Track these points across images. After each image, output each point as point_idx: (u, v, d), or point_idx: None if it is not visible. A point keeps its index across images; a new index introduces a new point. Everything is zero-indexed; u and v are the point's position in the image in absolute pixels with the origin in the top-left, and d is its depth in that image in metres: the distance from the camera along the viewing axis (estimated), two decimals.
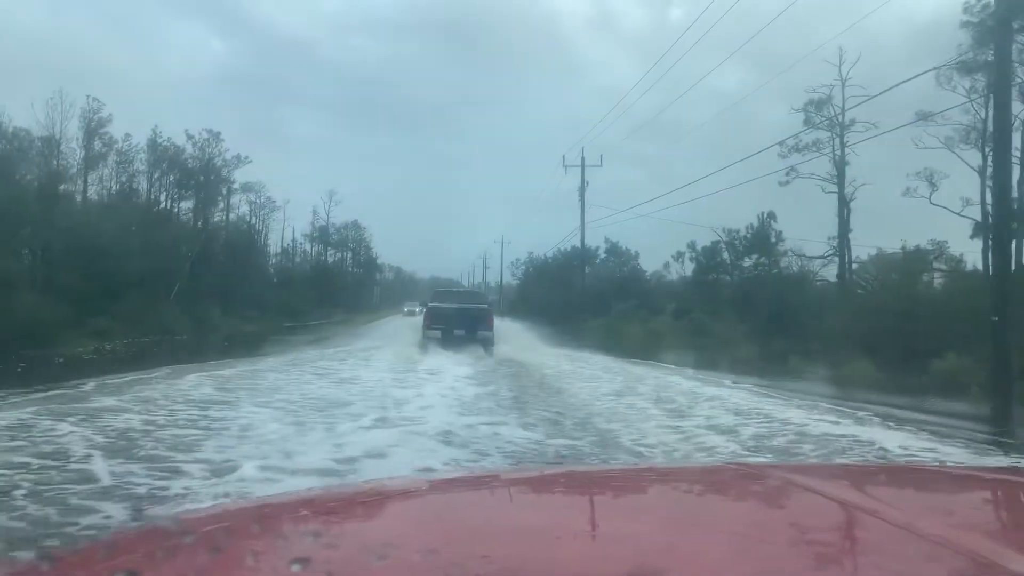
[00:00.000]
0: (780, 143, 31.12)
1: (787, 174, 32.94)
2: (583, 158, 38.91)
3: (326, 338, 25.98)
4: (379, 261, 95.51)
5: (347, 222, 79.35)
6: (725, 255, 36.36)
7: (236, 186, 43.84)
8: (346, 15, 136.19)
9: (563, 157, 39.60)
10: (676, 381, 14.19)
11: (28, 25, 58.07)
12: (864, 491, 1.54)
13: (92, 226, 26.51)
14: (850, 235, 32.00)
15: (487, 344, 21.33)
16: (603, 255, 43.81)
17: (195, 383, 11.17)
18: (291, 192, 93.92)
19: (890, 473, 2.41)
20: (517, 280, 75.69)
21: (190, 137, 38.52)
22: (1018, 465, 7.11)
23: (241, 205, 47.70)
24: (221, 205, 42.39)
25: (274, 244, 66.75)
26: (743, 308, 32.43)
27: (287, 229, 66.96)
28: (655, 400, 10.90)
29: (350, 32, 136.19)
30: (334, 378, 12.90)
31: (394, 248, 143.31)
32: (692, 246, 36.95)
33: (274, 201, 62.70)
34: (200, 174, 38.82)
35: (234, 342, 24.02)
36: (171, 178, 39.15)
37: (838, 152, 33.28)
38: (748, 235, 36.48)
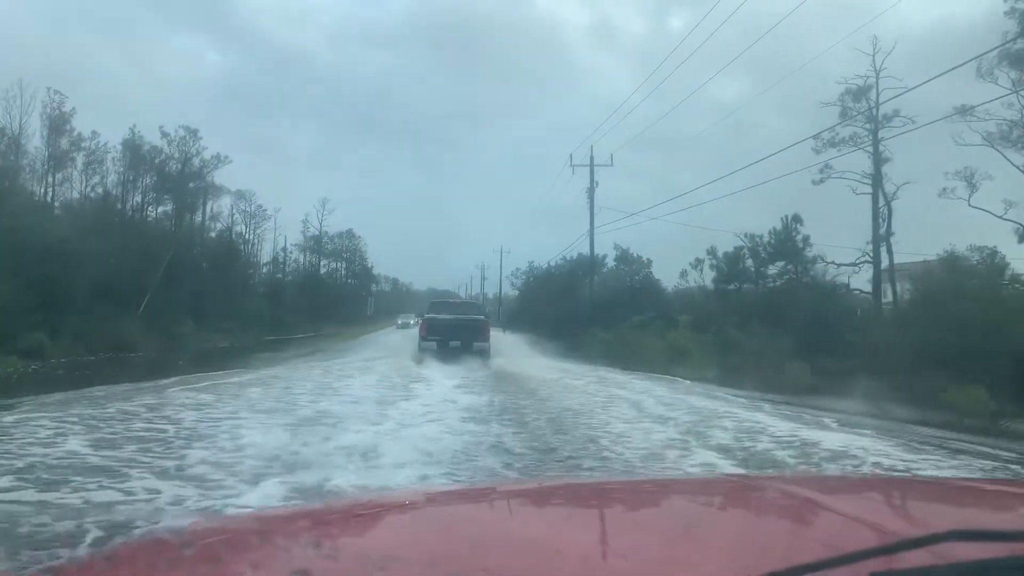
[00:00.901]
0: (815, 136, 28.13)
1: (821, 171, 30.00)
2: (592, 157, 35.87)
3: (305, 355, 22.70)
4: (375, 272, 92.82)
5: (341, 231, 76.45)
6: (748, 262, 33.21)
7: (216, 187, 40.67)
8: (344, 26, 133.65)
9: (570, 156, 36.58)
10: (765, 423, 9.90)
11: (24, 35, 56.13)
12: (863, 502, 1.56)
13: (39, 228, 23.24)
14: (892, 239, 28.99)
15: (484, 355, 20.89)
16: (612, 263, 40.56)
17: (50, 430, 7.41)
18: (289, 204, 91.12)
19: (889, 485, 2.56)
20: (517, 291, 72.27)
21: (165, 135, 35.41)
22: (1018, 477, 6.89)
23: (229, 212, 44.60)
24: (204, 210, 39.12)
25: (267, 255, 64.00)
26: (771, 320, 29.30)
27: (279, 238, 64.10)
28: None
29: (348, 43, 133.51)
30: (282, 421, 8.70)
31: (391, 260, 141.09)
32: (712, 252, 33.81)
33: (265, 209, 59.99)
34: (175, 175, 35.61)
35: (197, 360, 20.84)
36: (146, 180, 36.06)
37: (871, 149, 30.38)
38: (772, 240, 33.41)
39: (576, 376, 16.37)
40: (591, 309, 35.94)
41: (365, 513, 1.46)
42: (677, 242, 55.24)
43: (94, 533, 3.94)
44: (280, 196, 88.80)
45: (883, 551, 0.94)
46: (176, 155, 35.41)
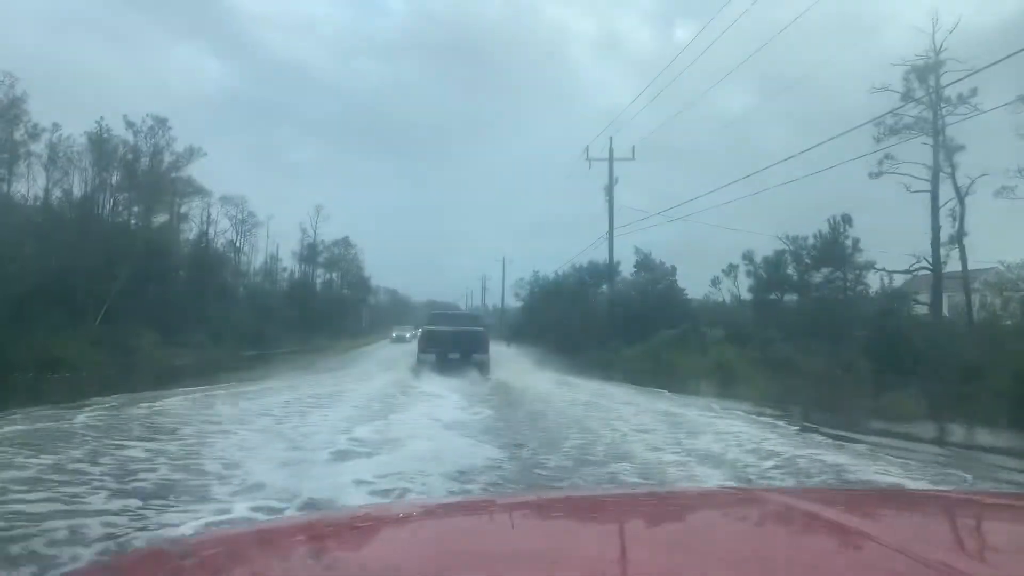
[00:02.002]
0: (876, 120, 24.22)
1: (880, 163, 26.08)
2: (611, 149, 31.97)
3: (269, 378, 18.47)
4: (372, 283, 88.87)
5: (336, 240, 72.49)
6: (790, 269, 29.25)
7: (193, 184, 36.61)
8: (343, 37, 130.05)
9: (586, 149, 32.68)
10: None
11: (25, 45, 53.23)
12: (862, 515, 1.53)
13: None
14: (964, 240, 25.01)
15: (483, 367, 20.40)
16: (632, 270, 36.45)
17: None
18: (288, 215, 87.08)
19: (888, 497, 2.57)
20: (521, 301, 68.07)
21: (130, 125, 31.43)
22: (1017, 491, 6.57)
23: (205, 213, 40.66)
24: (173, 209, 34.94)
25: (260, 264, 60.10)
26: (824, 335, 25.34)
27: (273, 246, 60.21)
28: None
29: (347, 54, 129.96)
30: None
31: (390, 271, 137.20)
32: (749, 257, 29.82)
33: (255, 216, 56.16)
34: (145, 170, 31.62)
35: (138, 379, 16.86)
36: (112, 177, 32.11)
37: (930, 139, 26.49)
38: (817, 243, 29.46)
39: (633, 413, 12.08)
40: (610, 321, 31.93)
41: (364, 525, 1.46)
42: (703, 248, 51.15)
43: None
44: (279, 207, 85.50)
45: None
46: (144, 148, 31.47)
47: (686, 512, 1.71)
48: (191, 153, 33.67)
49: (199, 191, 43.87)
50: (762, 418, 11.46)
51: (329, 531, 1.40)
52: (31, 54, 52.09)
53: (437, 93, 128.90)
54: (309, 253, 71.14)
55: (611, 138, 32.08)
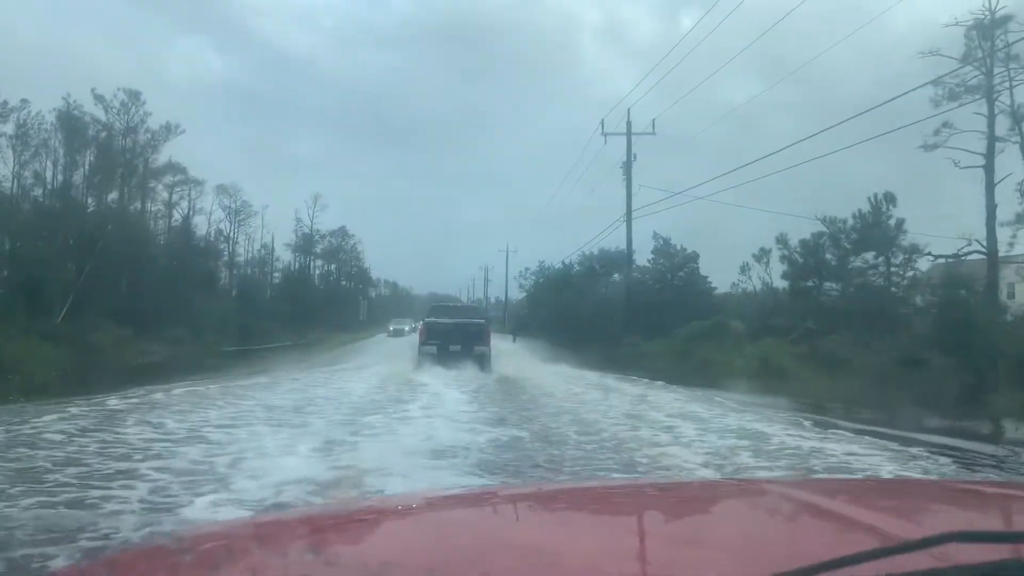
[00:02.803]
0: (935, 82, 21.30)
1: (936, 133, 23.20)
2: (629, 122, 29.08)
3: (228, 379, 15.50)
4: (372, 275, 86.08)
5: (333, 230, 69.63)
6: (829, 254, 26.42)
7: (173, 166, 33.71)
8: (345, 28, 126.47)
9: (601, 123, 29.81)
10: None
11: (29, 35, 51.85)
12: (863, 505, 1.53)
13: None
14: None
15: (484, 360, 20.21)
16: (651, 256, 33.55)
17: None
18: (287, 207, 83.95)
19: (889, 487, 2.64)
20: (525, 293, 65.13)
21: (99, 99, 28.49)
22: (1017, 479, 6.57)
23: (190, 200, 37.85)
24: (143, 191, 32.00)
25: (254, 254, 57.31)
26: (871, 326, 22.59)
27: (268, 237, 57.33)
28: None
29: (349, 45, 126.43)
30: None
31: (392, 264, 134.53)
32: (783, 241, 26.96)
33: (251, 205, 53.40)
34: (117, 149, 28.71)
35: (80, 382, 14.10)
36: (80, 158, 29.26)
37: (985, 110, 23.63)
38: (858, 225, 26.63)
39: (717, 438, 8.62)
40: (628, 313, 29.12)
41: (364, 518, 1.46)
42: (726, 234, 48.12)
43: None
44: (280, 199, 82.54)
45: (885, 553, 0.93)
46: (119, 126, 28.56)
47: (687, 503, 1.70)
48: (168, 131, 30.75)
49: (177, 171, 41.20)
50: (910, 447, 7.90)
51: (329, 524, 1.41)
52: (28, 45, 50.41)
53: (439, 83, 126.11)
54: (305, 243, 68.44)
55: (629, 110, 29.26)
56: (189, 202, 37.49)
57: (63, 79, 54.99)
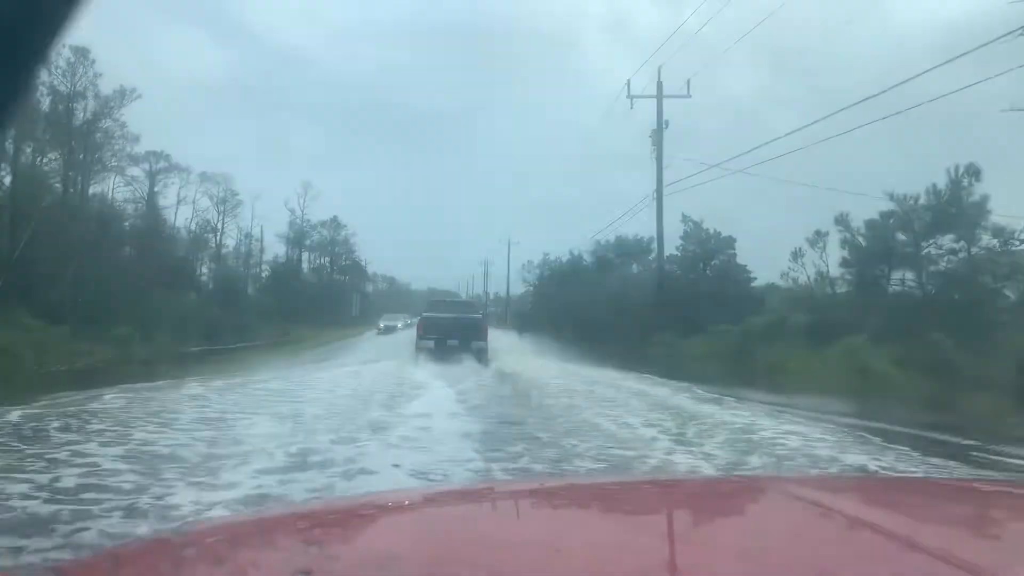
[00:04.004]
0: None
1: None
2: (659, 83, 24.87)
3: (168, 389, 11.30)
4: (370, 270, 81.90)
5: (324, 220, 65.37)
6: (900, 235, 22.27)
7: (128, 135, 29.42)
8: (344, 22, 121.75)
9: (627, 83, 25.61)
10: None
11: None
12: (866, 503, 1.54)
13: None
14: None
15: (481, 354, 20.21)
16: (679, 243, 29.23)
17: None
18: (282, 201, 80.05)
19: (891, 485, 2.59)
20: (530, 287, 60.88)
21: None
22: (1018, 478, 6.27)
23: (149, 176, 33.64)
24: (87, 164, 27.60)
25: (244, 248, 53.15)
26: (963, 323, 18.51)
27: (258, 228, 53.14)
28: None
29: (346, 38, 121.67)
30: None
31: (391, 259, 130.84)
32: (844, 221, 22.73)
33: (237, 194, 49.35)
34: (62, 115, 24.46)
35: None
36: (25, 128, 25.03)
37: None
38: (934, 202, 22.47)
39: None
40: (658, 307, 24.94)
41: (366, 513, 1.46)
42: (767, 215, 43.49)
43: None
44: (277, 194, 78.50)
45: None
46: (63, 89, 24.33)
47: (688, 500, 1.70)
48: (123, 96, 26.52)
49: (159, 158, 37.24)
50: None
51: (331, 519, 1.41)
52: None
53: (437, 76, 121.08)
54: (296, 235, 64.27)
55: (660, 68, 25.03)
56: (152, 183, 33.18)
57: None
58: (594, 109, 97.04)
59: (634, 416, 9.32)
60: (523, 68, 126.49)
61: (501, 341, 29.75)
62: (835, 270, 23.75)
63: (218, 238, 54.00)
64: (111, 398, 9.72)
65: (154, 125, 74.58)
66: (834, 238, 22.97)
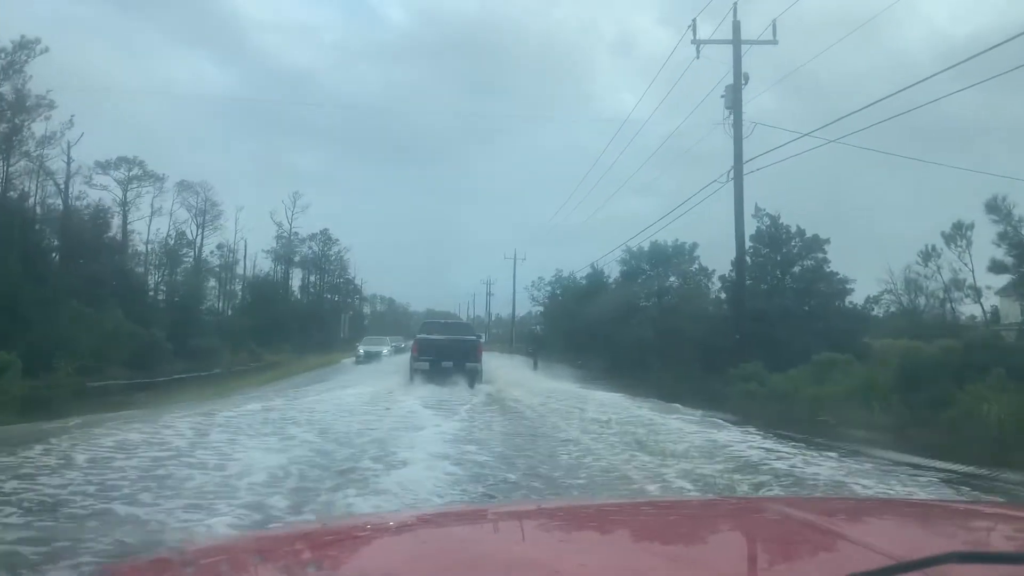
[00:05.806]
0: None
1: None
2: (736, 22, 18.77)
3: None
4: (365, 288, 75.78)
5: (313, 233, 59.17)
6: None
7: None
8: (343, 42, 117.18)
9: (692, 22, 19.42)
10: None
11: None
12: (861, 524, 1.52)
13: None
14: None
15: (474, 375, 20.48)
16: (749, 246, 22.55)
17: None
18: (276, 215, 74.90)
19: (887, 506, 2.52)
20: (539, 305, 54.45)
21: None
22: (1014, 500, 6.41)
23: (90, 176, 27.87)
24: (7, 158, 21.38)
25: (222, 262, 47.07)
26: None
27: (243, 243, 47.55)
28: None
29: (347, 58, 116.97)
30: None
31: (390, 281, 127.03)
32: (995, 207, 16.50)
33: (218, 205, 43.76)
34: None
35: None
36: None
37: None
38: None
39: None
40: (738, 333, 18.41)
41: (363, 534, 1.44)
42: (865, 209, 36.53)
43: None
44: (275, 212, 73.69)
45: (884, 573, 0.91)
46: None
47: (685, 521, 1.67)
48: (23, 48, 20.39)
49: (132, 164, 31.95)
50: None
51: (328, 540, 1.39)
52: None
53: (439, 96, 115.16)
54: (284, 249, 58.02)
55: (735, 4, 18.83)
56: (68, 175, 26.93)
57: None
58: (600, 129, 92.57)
59: None
60: (526, 86, 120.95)
61: (510, 374, 23.63)
62: (983, 276, 17.46)
63: (196, 252, 48.06)
64: None
65: (151, 142, 73.68)
66: (981, 232, 16.67)
